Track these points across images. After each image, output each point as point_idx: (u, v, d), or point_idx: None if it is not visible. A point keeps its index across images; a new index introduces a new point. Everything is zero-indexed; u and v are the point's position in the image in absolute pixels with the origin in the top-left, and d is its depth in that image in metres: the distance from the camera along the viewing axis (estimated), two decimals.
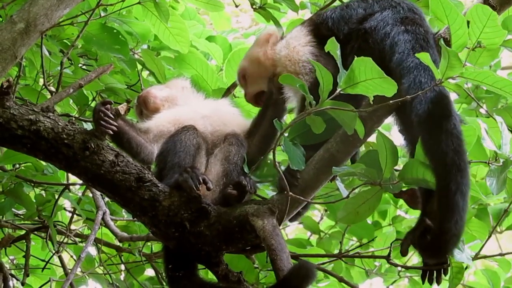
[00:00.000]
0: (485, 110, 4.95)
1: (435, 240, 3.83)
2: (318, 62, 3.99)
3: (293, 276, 3.84)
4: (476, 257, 4.31)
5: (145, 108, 4.72)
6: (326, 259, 5.43)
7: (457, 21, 3.86)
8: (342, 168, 3.89)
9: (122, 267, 6.31)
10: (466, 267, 4.14)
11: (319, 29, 4.44)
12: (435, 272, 4.21)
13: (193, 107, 4.61)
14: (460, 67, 3.60)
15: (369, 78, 3.67)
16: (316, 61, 4.20)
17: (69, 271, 5.89)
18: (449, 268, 4.15)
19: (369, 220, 5.77)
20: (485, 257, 4.58)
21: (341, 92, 3.76)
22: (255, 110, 4.85)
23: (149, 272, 6.36)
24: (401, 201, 5.77)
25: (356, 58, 3.69)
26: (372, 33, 4.17)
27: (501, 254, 4.87)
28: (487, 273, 5.57)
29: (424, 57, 3.65)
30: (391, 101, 3.71)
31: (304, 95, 3.86)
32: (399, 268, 5.60)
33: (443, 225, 3.71)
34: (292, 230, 7.79)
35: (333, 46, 3.80)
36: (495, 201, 5.19)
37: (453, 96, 5.41)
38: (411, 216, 5.98)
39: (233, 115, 4.62)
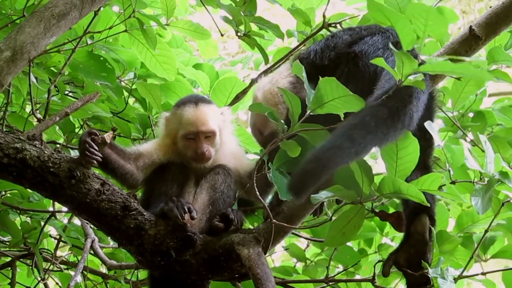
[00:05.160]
0: (470, 139, 4.97)
1: None
2: (296, 90, 4.06)
3: None
4: (459, 278, 4.26)
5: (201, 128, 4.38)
6: (312, 286, 5.42)
7: (400, 20, 3.81)
8: (320, 194, 3.88)
9: None
10: None
11: (302, 62, 4.47)
12: None
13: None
14: (414, 63, 3.60)
15: (336, 97, 3.74)
16: (293, 88, 4.27)
17: None
18: None
19: (355, 248, 5.76)
20: (467, 276, 4.53)
21: (311, 113, 3.81)
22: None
23: None
24: (387, 229, 5.77)
25: (321, 78, 3.75)
26: (363, 57, 4.21)
27: (482, 273, 4.84)
28: None
29: (379, 61, 3.67)
30: None
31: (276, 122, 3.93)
32: None
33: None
34: (278, 257, 7.77)
35: (298, 69, 3.85)
36: (481, 229, 5.20)
37: (439, 125, 5.47)
38: (397, 244, 5.96)
39: (238, 156, 4.56)
